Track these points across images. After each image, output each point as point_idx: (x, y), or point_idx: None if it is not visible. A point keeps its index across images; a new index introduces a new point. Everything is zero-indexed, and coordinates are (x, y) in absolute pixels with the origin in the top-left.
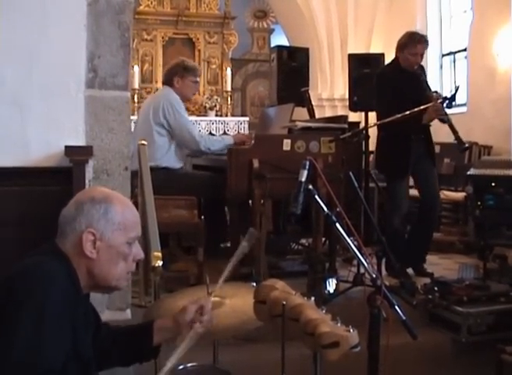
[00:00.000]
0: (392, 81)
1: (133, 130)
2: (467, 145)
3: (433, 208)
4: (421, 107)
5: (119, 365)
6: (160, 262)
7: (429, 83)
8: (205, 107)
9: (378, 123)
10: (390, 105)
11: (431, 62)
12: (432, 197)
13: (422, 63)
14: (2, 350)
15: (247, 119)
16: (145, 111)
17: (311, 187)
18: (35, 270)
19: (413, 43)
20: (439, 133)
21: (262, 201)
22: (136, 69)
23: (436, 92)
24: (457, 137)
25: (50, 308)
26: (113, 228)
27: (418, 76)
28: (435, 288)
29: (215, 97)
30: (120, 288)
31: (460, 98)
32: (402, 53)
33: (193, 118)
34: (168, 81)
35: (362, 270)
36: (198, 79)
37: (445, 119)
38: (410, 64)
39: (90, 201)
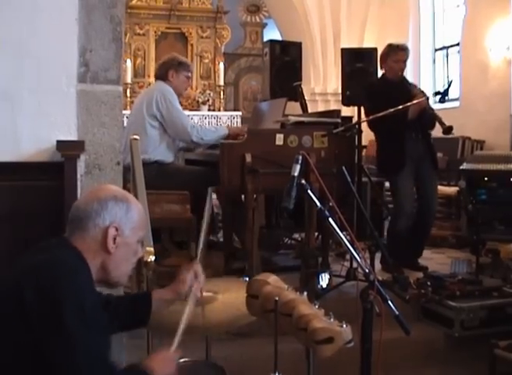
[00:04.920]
0: (381, 91)
1: (125, 124)
2: (448, 124)
3: (427, 219)
4: (414, 101)
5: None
6: (152, 257)
7: (421, 78)
8: (198, 101)
9: (371, 118)
10: (380, 110)
11: (424, 56)
12: (426, 209)
13: (415, 59)
14: (63, 355)
15: (239, 113)
16: (138, 105)
17: (303, 181)
18: (62, 266)
19: (393, 51)
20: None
21: (255, 195)
22: (129, 63)
23: (419, 89)
24: (440, 121)
25: (88, 303)
26: (131, 226)
27: (403, 82)
28: (428, 283)
29: (208, 91)
30: (123, 284)
31: (453, 92)
32: (386, 63)
33: (185, 112)
34: (162, 75)
35: (355, 265)
36: (190, 74)
37: (427, 107)
38: (395, 72)
39: (114, 198)
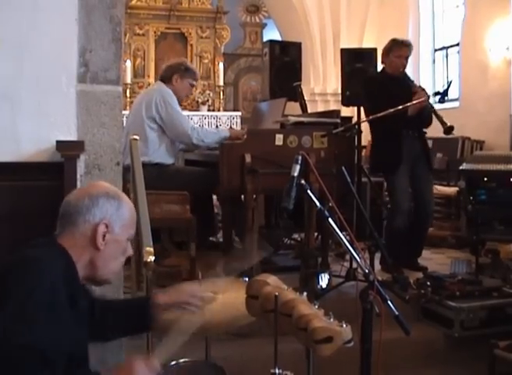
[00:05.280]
0: (381, 85)
1: (125, 126)
2: (449, 124)
3: (425, 219)
4: (414, 102)
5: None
6: (152, 258)
7: (421, 78)
8: (197, 102)
9: (370, 118)
10: (379, 106)
11: (423, 56)
12: (423, 210)
13: (414, 60)
14: None
15: (239, 113)
16: (137, 106)
17: (303, 181)
18: (29, 261)
19: (397, 46)
20: (431, 128)
21: (254, 196)
22: (129, 63)
23: (420, 86)
24: (441, 121)
25: (39, 295)
26: (121, 224)
27: (404, 78)
28: (428, 283)
29: (208, 91)
30: (110, 282)
31: (453, 92)
32: (388, 58)
33: (185, 113)
34: (165, 78)
35: (355, 265)
36: (195, 83)
37: (429, 105)
38: (396, 67)
39: (105, 195)
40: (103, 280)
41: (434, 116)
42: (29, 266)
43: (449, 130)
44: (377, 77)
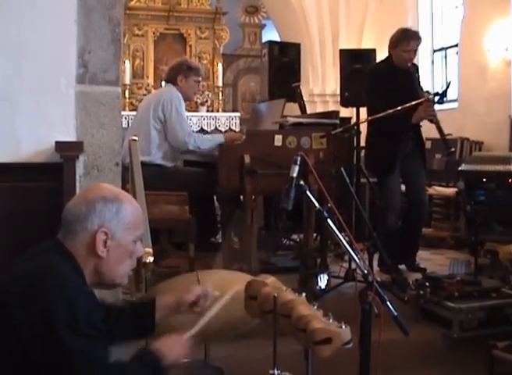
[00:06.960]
0: (386, 78)
1: (126, 125)
2: (452, 149)
3: (420, 210)
4: (413, 103)
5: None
6: (151, 258)
7: (421, 79)
8: (196, 102)
9: (369, 118)
10: (381, 102)
11: (422, 57)
12: (418, 201)
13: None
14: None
15: (238, 114)
16: (145, 106)
17: (302, 182)
18: (49, 275)
19: (406, 39)
20: (431, 129)
21: (253, 196)
22: (128, 64)
23: (428, 92)
24: (444, 140)
25: (80, 310)
26: (124, 227)
27: (412, 74)
28: (427, 284)
29: (207, 92)
30: (123, 285)
31: (452, 93)
32: (395, 50)
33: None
34: (171, 79)
35: (354, 266)
36: (200, 78)
37: (434, 120)
38: (403, 61)
39: (102, 200)
40: (111, 284)
41: (438, 134)
42: (58, 278)
43: (450, 154)
44: (382, 69)
